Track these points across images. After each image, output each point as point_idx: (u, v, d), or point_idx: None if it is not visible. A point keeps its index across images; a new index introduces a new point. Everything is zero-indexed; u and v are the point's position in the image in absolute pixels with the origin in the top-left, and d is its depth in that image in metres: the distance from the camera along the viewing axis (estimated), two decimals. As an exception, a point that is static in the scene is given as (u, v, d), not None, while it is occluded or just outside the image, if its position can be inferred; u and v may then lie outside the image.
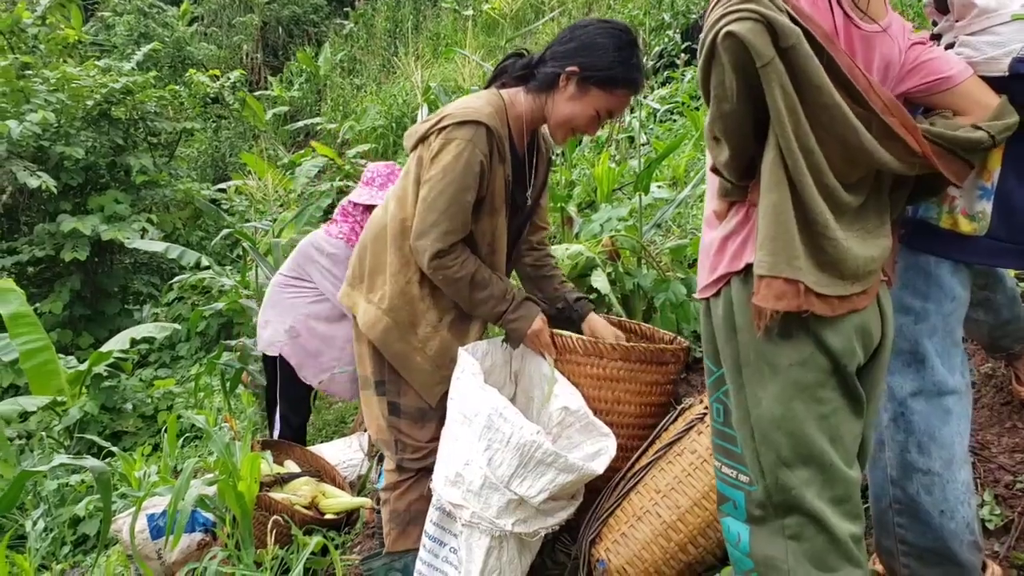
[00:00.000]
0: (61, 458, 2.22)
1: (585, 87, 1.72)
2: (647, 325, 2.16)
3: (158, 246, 4.58)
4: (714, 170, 1.18)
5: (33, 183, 6.25)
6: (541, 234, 2.05)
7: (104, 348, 4.79)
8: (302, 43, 12.32)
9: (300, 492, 2.51)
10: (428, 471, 1.84)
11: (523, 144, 1.85)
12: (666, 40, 5.72)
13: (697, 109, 4.20)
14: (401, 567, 1.90)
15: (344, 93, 10.24)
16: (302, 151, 7.59)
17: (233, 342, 3.76)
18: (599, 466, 1.68)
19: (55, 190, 6.39)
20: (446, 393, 1.81)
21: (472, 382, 1.71)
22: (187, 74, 8.91)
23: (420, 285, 1.81)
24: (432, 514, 1.77)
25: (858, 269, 1.12)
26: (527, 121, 1.82)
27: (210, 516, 2.35)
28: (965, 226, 1.27)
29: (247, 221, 4.72)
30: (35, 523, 3.18)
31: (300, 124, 9.30)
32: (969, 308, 1.39)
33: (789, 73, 1.02)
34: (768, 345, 1.14)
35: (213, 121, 10.09)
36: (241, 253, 5.31)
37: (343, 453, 2.89)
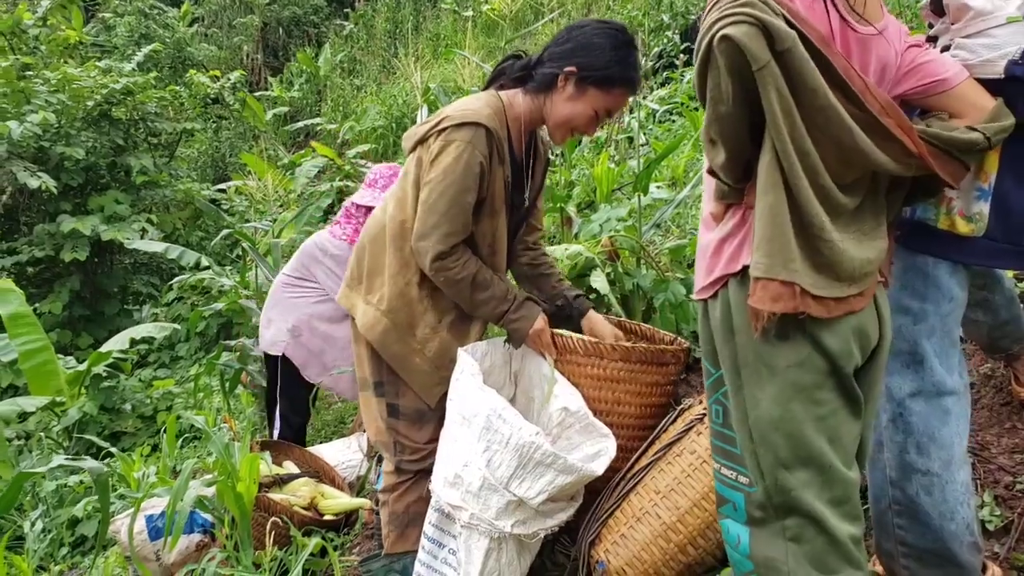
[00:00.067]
0: (59, 459, 2.22)
1: (583, 87, 1.72)
2: (647, 326, 2.16)
3: (158, 246, 4.58)
4: (711, 172, 1.18)
5: (33, 183, 6.25)
6: (536, 235, 2.05)
7: (103, 348, 4.79)
8: (302, 44, 12.33)
9: (299, 493, 2.50)
10: (427, 473, 1.83)
11: (522, 145, 1.86)
12: (665, 41, 5.73)
13: (696, 110, 4.20)
14: (400, 569, 1.90)
15: (344, 94, 10.24)
16: (302, 151, 7.60)
17: (232, 342, 3.76)
18: (599, 467, 1.67)
19: (55, 190, 6.39)
20: (445, 394, 1.81)
21: (471, 383, 1.70)
22: (187, 75, 8.91)
23: (419, 287, 1.81)
24: (431, 515, 1.77)
25: (854, 271, 1.12)
26: (525, 122, 1.82)
27: (209, 517, 2.35)
28: (962, 227, 1.27)
29: (247, 221, 4.72)
30: (33, 524, 3.17)
31: (300, 124, 9.31)
32: (968, 309, 1.39)
33: (785, 76, 1.02)
34: (766, 347, 1.14)
35: (213, 122, 10.09)
36: (241, 253, 5.31)
37: (342, 454, 2.89)
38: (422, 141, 1.78)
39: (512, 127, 1.80)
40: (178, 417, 2.97)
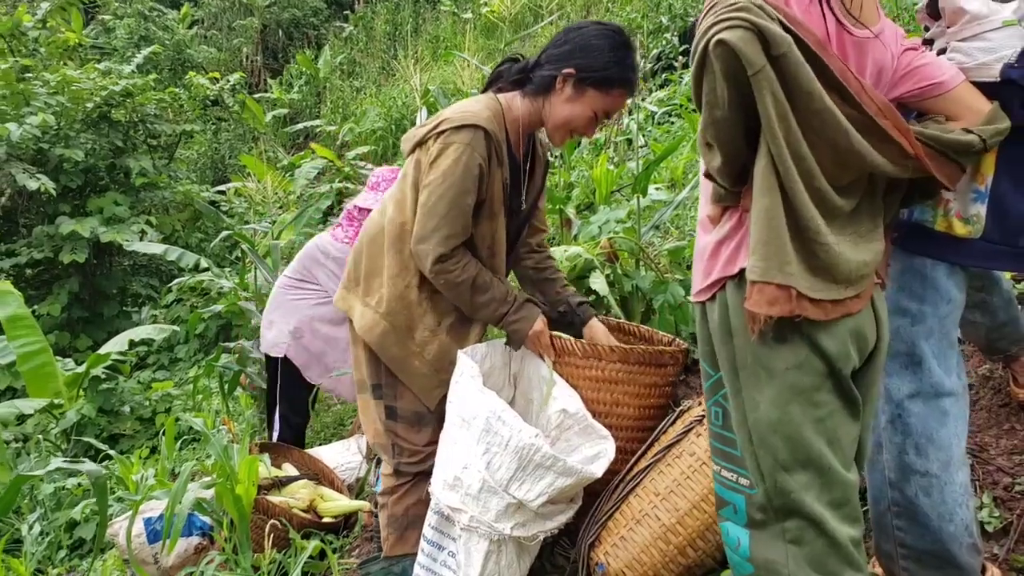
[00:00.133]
0: (57, 461, 2.22)
1: (582, 88, 1.73)
2: (645, 327, 2.16)
3: (157, 248, 4.58)
4: (707, 175, 1.18)
5: (32, 185, 6.25)
6: (540, 236, 2.05)
7: (102, 350, 4.79)
8: (302, 46, 12.35)
9: (298, 495, 2.50)
10: (426, 475, 1.83)
11: (520, 148, 1.86)
12: (664, 43, 5.74)
13: (695, 111, 4.20)
14: (399, 571, 1.89)
15: (343, 95, 10.26)
16: (301, 153, 7.61)
17: (232, 344, 3.76)
18: (598, 469, 1.67)
19: (54, 192, 6.39)
20: (444, 396, 1.81)
21: (471, 385, 1.70)
22: (187, 77, 8.92)
23: (419, 289, 1.81)
24: (430, 518, 1.76)
25: (851, 273, 1.12)
26: (524, 125, 1.82)
27: (207, 520, 2.35)
28: (960, 229, 1.28)
29: (246, 223, 4.72)
30: (31, 527, 3.17)
31: (300, 126, 9.32)
32: (966, 310, 1.39)
33: (780, 80, 1.03)
34: (764, 349, 1.14)
35: (213, 123, 10.10)
36: (240, 255, 5.31)
37: (341, 456, 2.89)
38: (421, 143, 1.79)
39: (510, 129, 1.81)
40: (177, 419, 2.96)
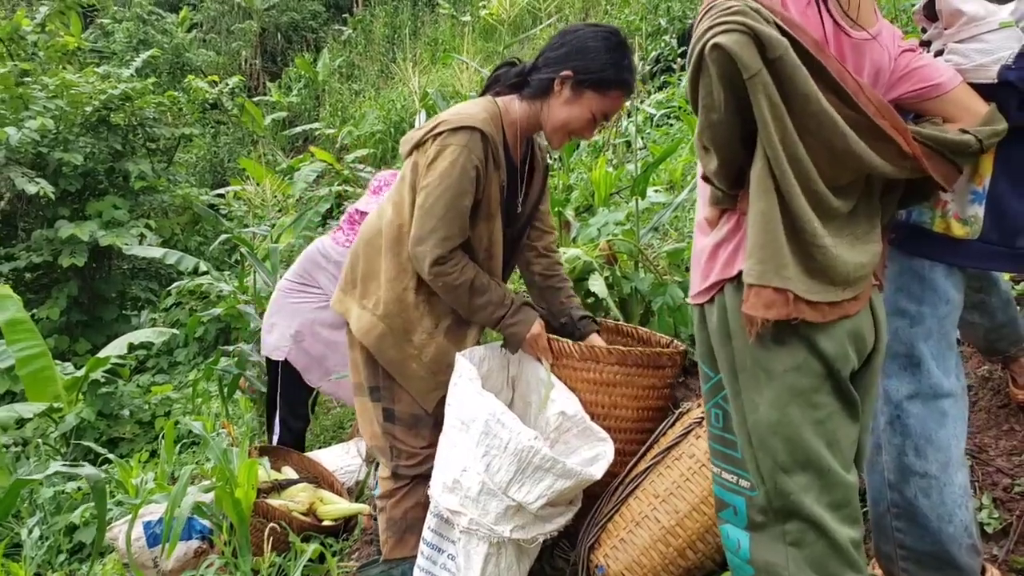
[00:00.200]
0: (57, 465, 2.21)
1: (580, 90, 1.73)
2: (644, 329, 2.16)
3: (156, 252, 4.58)
4: (705, 178, 1.19)
5: (31, 189, 6.25)
6: (548, 239, 2.04)
7: (101, 354, 4.78)
8: (301, 49, 12.36)
9: (298, 498, 2.50)
10: (424, 478, 1.83)
11: (518, 152, 1.86)
12: (662, 45, 5.74)
13: (693, 114, 4.20)
14: (398, 574, 1.89)
15: (343, 98, 10.26)
16: (301, 156, 7.61)
17: (231, 347, 3.76)
18: (597, 471, 1.67)
19: (53, 196, 6.39)
20: (442, 399, 1.81)
21: (469, 388, 1.70)
22: (186, 80, 8.92)
23: (416, 292, 1.81)
24: (430, 520, 1.76)
25: (848, 275, 1.12)
26: (522, 128, 1.83)
27: (207, 523, 2.35)
28: (958, 230, 1.28)
29: (245, 226, 4.71)
30: (31, 531, 3.16)
31: (299, 129, 9.32)
32: (964, 311, 1.40)
33: (776, 83, 1.03)
34: (762, 351, 1.14)
35: (212, 127, 10.11)
36: (239, 258, 5.30)
37: (341, 459, 2.89)
38: (418, 145, 1.79)
39: (508, 132, 1.81)
40: (176, 423, 2.96)
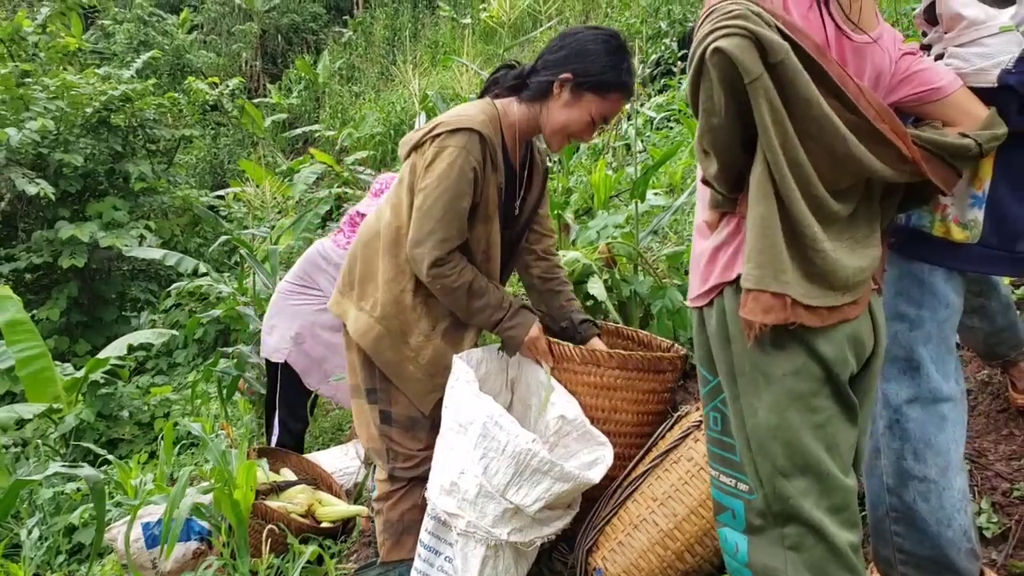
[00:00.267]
0: (56, 466, 2.21)
1: (579, 93, 1.73)
2: (644, 332, 2.16)
3: (156, 253, 4.59)
4: (705, 181, 1.19)
5: (31, 190, 6.26)
6: (547, 242, 2.03)
7: (101, 355, 4.78)
8: (301, 51, 12.37)
9: (296, 500, 2.50)
10: (421, 480, 1.83)
11: (516, 154, 1.86)
12: (663, 48, 5.75)
13: (693, 117, 4.21)
14: (396, 576, 1.89)
15: (343, 100, 10.27)
16: (300, 158, 7.62)
17: (230, 349, 3.76)
18: (595, 475, 1.67)
19: (53, 197, 6.39)
20: (439, 401, 1.81)
21: (467, 390, 1.70)
22: (186, 81, 8.94)
23: (414, 294, 1.81)
24: (427, 523, 1.76)
25: (848, 279, 1.12)
26: (520, 130, 1.82)
27: (205, 525, 2.34)
28: (957, 234, 1.28)
29: (245, 228, 4.72)
30: (30, 532, 3.16)
31: (299, 131, 9.33)
32: (964, 315, 1.39)
33: (777, 88, 1.03)
34: (762, 355, 1.14)
35: (212, 128, 10.11)
36: (239, 260, 5.31)
37: (340, 461, 2.88)
38: (417, 147, 1.79)
39: (507, 135, 1.81)
40: (175, 424, 2.96)
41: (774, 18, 1.04)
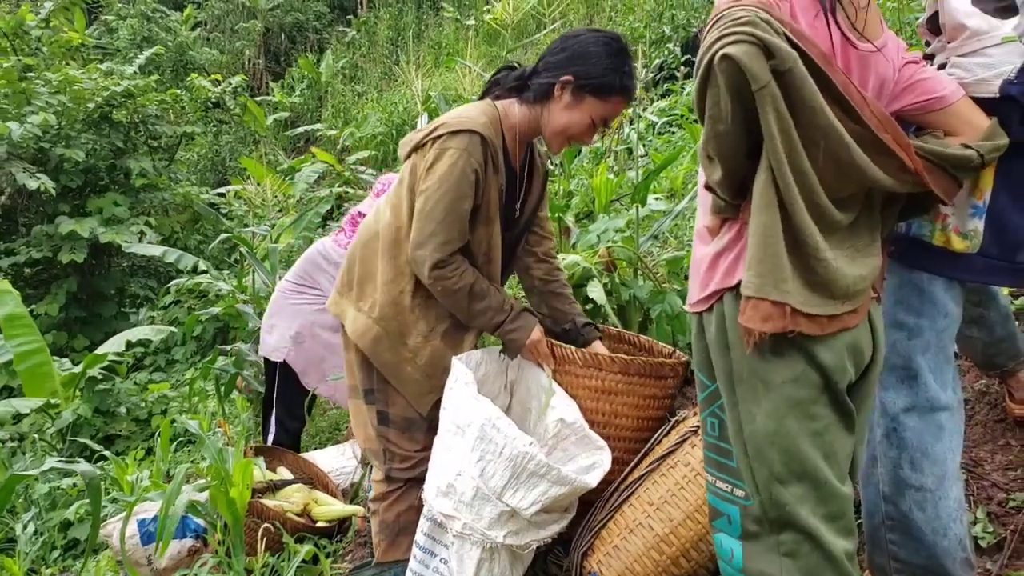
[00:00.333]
0: (52, 461, 2.21)
1: (580, 96, 1.73)
2: (646, 337, 2.16)
3: (155, 250, 4.58)
4: (708, 187, 1.18)
5: (32, 185, 6.26)
6: (547, 245, 2.03)
7: (99, 351, 4.78)
8: (304, 50, 12.38)
9: (292, 499, 2.49)
10: (417, 481, 1.83)
11: (517, 156, 1.86)
12: (666, 53, 5.76)
13: (695, 122, 4.21)
14: (391, 577, 1.89)
15: (345, 100, 10.28)
16: (302, 157, 7.62)
17: (228, 347, 3.75)
18: (593, 479, 1.67)
19: (54, 192, 6.39)
20: (437, 402, 1.81)
21: (465, 392, 1.70)
22: (189, 78, 8.93)
23: (413, 295, 1.81)
24: (423, 524, 1.76)
25: (848, 288, 1.12)
26: (521, 132, 1.82)
27: (201, 522, 2.34)
28: (958, 244, 1.28)
29: (246, 226, 4.72)
30: (25, 527, 3.15)
31: (301, 130, 9.34)
32: (963, 325, 1.40)
33: (784, 95, 1.02)
34: (761, 362, 1.14)
35: (214, 126, 10.11)
36: (239, 258, 5.30)
37: (336, 460, 2.88)
38: (417, 148, 1.79)
39: (508, 136, 1.81)
40: (173, 421, 2.96)
41: (782, 25, 1.04)
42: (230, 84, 9.15)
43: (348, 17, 12.69)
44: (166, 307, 6.82)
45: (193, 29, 11.68)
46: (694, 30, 6.02)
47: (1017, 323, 1.74)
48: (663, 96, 5.47)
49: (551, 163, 3.37)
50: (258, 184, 4.46)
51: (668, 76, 5.62)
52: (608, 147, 4.00)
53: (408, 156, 1.82)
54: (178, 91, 8.30)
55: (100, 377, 4.76)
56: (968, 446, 1.82)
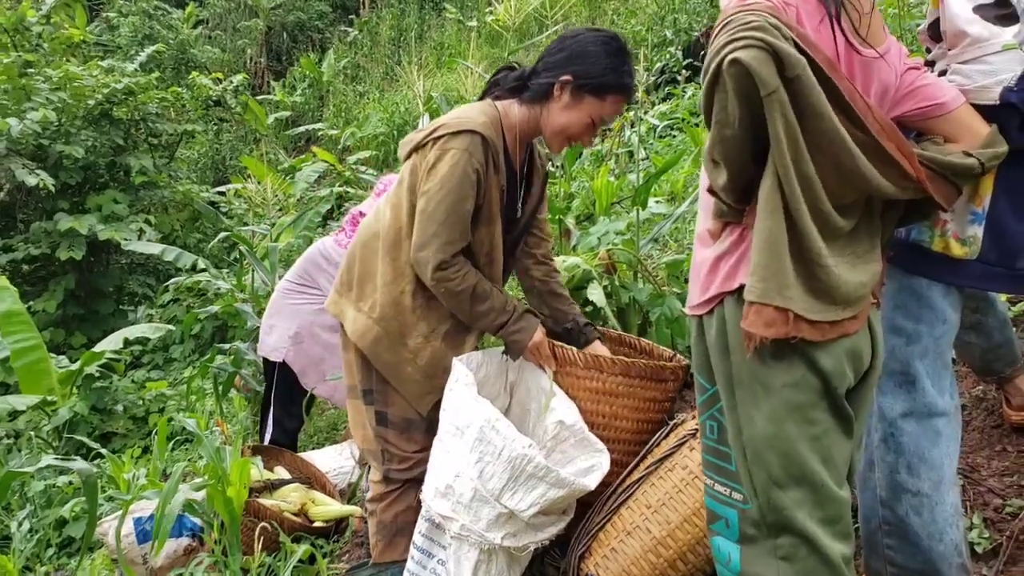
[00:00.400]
0: (48, 459, 2.21)
1: (579, 95, 1.73)
2: (646, 340, 2.16)
3: (154, 248, 4.58)
4: (711, 191, 1.18)
5: (31, 181, 6.25)
6: (545, 247, 2.03)
7: (97, 348, 4.77)
8: (306, 49, 12.38)
9: (289, 499, 2.49)
10: (415, 482, 1.83)
11: (517, 156, 1.86)
12: (668, 56, 5.77)
13: (697, 125, 4.23)
14: (388, 577, 1.89)
15: (346, 100, 10.28)
16: (303, 156, 7.62)
17: (227, 346, 3.75)
18: (591, 482, 1.67)
19: (53, 188, 6.39)
20: (437, 402, 1.81)
21: (465, 393, 1.70)
22: (190, 76, 8.93)
23: (413, 296, 1.81)
24: (421, 525, 1.76)
25: (849, 295, 1.12)
26: (521, 132, 1.82)
27: (198, 521, 2.34)
28: (957, 250, 1.28)
29: (245, 225, 4.71)
30: (20, 524, 3.15)
31: (302, 129, 9.34)
32: (961, 331, 1.40)
33: (792, 102, 1.02)
34: (761, 366, 1.14)
35: (214, 124, 10.11)
36: (238, 256, 5.31)
37: (334, 460, 2.88)
38: (418, 149, 1.79)
39: (508, 136, 1.81)
40: (170, 419, 2.96)
41: (790, 31, 1.04)
42: (231, 82, 9.15)
43: (350, 17, 12.70)
44: (165, 305, 6.81)
45: (195, 27, 11.68)
46: (696, 34, 6.02)
47: (1015, 329, 1.75)
48: (664, 100, 5.47)
49: (552, 165, 3.37)
50: (258, 183, 4.46)
51: (670, 80, 5.63)
52: (609, 150, 4.01)
53: (408, 156, 1.82)
54: (179, 89, 8.30)
55: (97, 375, 4.75)
56: (965, 452, 1.83)
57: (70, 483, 3.53)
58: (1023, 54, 1.20)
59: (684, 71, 5.43)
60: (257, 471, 2.40)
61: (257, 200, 4.26)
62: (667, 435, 1.86)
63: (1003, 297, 1.83)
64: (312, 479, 2.71)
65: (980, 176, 1.21)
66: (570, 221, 3.01)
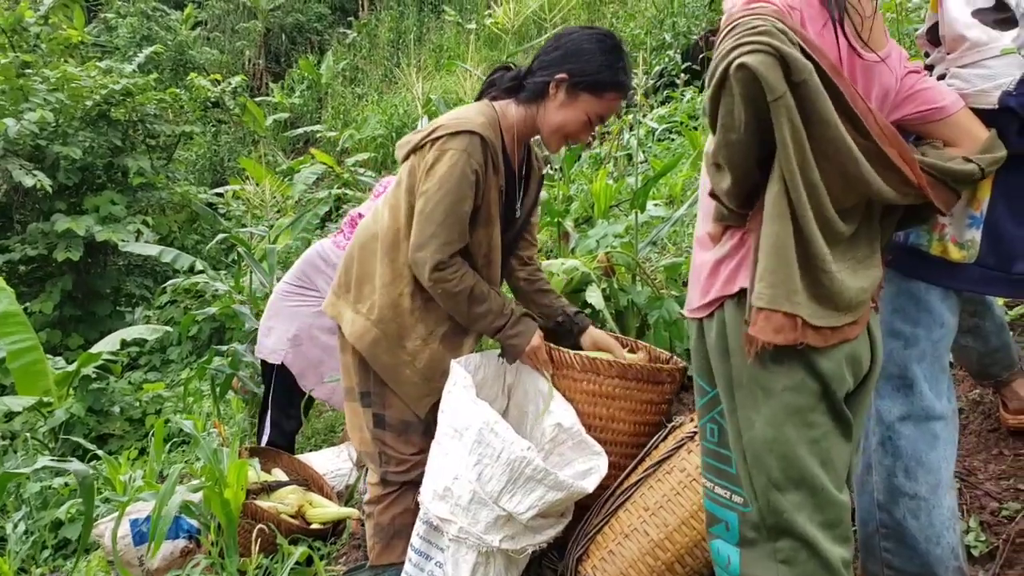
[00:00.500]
0: (45, 460, 2.20)
1: (575, 93, 1.73)
2: (643, 343, 2.16)
3: (152, 249, 4.57)
4: (712, 195, 1.18)
5: (28, 182, 6.24)
6: (532, 250, 2.04)
7: (94, 349, 4.76)
8: (305, 51, 12.38)
9: (287, 501, 2.49)
10: (413, 484, 1.82)
11: (515, 156, 1.86)
12: (667, 60, 5.77)
13: (695, 129, 4.23)
14: (385, 580, 1.88)
15: (345, 102, 10.28)
16: (301, 158, 7.62)
17: (224, 347, 3.74)
18: (589, 484, 1.67)
19: (50, 189, 6.38)
20: (435, 404, 1.80)
21: (464, 395, 1.70)
22: (188, 78, 8.93)
23: (412, 298, 1.80)
24: (419, 527, 1.76)
25: (850, 300, 1.12)
26: (519, 132, 1.82)
27: (194, 523, 2.33)
28: (955, 254, 1.29)
29: (243, 226, 4.71)
30: (16, 525, 3.14)
31: (300, 131, 9.33)
32: (958, 335, 1.40)
33: (798, 107, 1.02)
34: (761, 370, 1.14)
35: (213, 125, 10.09)
36: (236, 258, 5.30)
37: (332, 463, 2.87)
38: (416, 150, 1.79)
39: (506, 137, 1.81)
40: (167, 421, 2.95)
41: (796, 35, 1.04)
42: (230, 84, 9.14)
43: (349, 19, 12.70)
44: (162, 307, 6.79)
45: (193, 28, 11.68)
46: (695, 37, 6.03)
47: (1012, 333, 1.75)
48: (663, 103, 5.48)
49: (550, 168, 3.38)
50: (257, 184, 4.45)
51: (668, 83, 5.64)
52: (608, 153, 4.02)
53: (406, 158, 1.82)
54: (177, 90, 8.29)
55: (94, 376, 4.74)
56: (962, 455, 1.83)
57: (66, 485, 3.52)
58: (1022, 58, 1.20)
59: (683, 75, 5.44)
60: (254, 473, 2.40)
61: (255, 202, 4.25)
62: (665, 437, 1.86)
63: (1000, 301, 1.83)
64: (310, 481, 2.71)
65: (980, 181, 1.21)
66: (569, 224, 3.01)
